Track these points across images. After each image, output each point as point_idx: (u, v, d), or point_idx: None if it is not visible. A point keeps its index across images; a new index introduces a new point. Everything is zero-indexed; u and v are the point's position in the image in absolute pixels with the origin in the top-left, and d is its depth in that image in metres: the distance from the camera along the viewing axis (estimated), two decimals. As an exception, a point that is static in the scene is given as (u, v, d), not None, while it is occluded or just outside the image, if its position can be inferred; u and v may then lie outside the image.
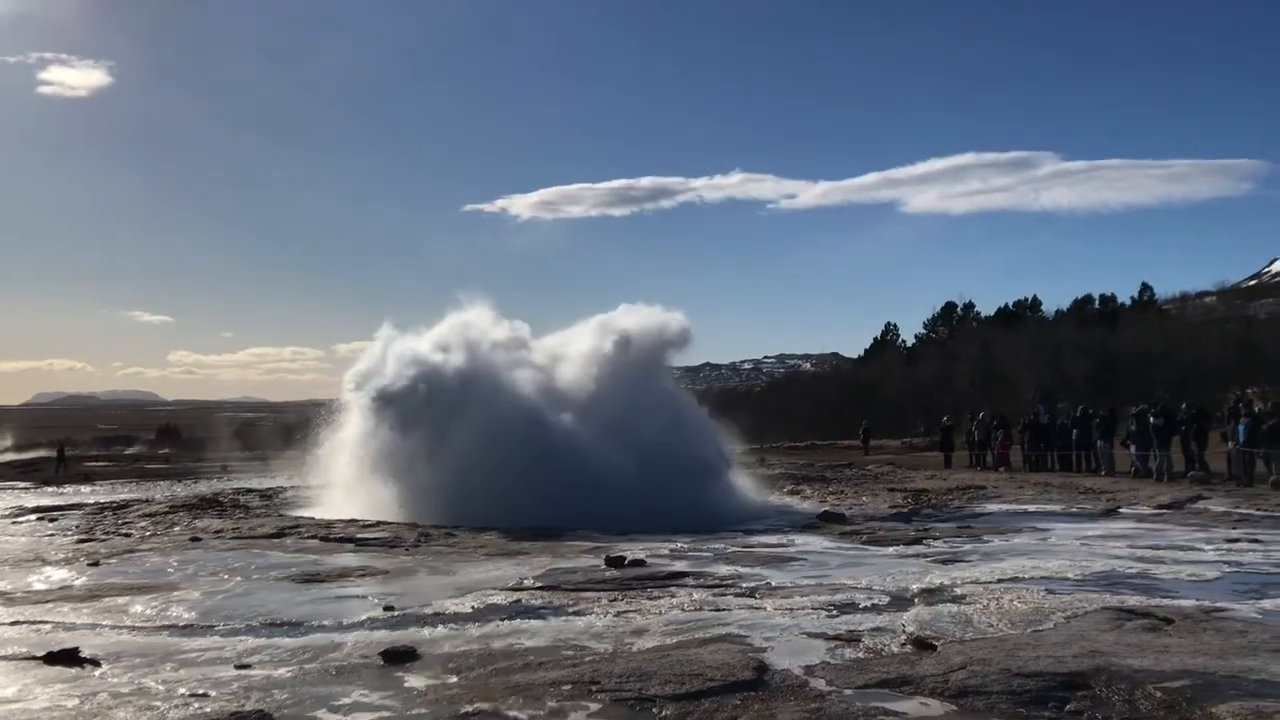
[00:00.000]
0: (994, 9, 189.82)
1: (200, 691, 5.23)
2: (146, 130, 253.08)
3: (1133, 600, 7.31)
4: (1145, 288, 52.68)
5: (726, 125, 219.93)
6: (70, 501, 20.46)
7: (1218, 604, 7.10)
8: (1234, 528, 11.61)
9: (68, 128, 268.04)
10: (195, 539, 12.29)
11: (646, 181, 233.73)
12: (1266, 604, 7.17)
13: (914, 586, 8.07)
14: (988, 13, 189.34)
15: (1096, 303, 52.22)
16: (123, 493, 23.56)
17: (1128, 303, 51.85)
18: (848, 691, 5.07)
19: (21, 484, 28.94)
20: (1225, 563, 9.12)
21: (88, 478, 30.76)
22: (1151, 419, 18.80)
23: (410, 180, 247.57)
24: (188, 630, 7.01)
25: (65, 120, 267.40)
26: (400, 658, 5.91)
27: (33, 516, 16.61)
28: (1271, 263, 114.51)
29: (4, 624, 7.21)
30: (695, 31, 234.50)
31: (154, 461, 40.04)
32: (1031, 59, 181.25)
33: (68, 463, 36.49)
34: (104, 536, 13.05)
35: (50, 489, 25.83)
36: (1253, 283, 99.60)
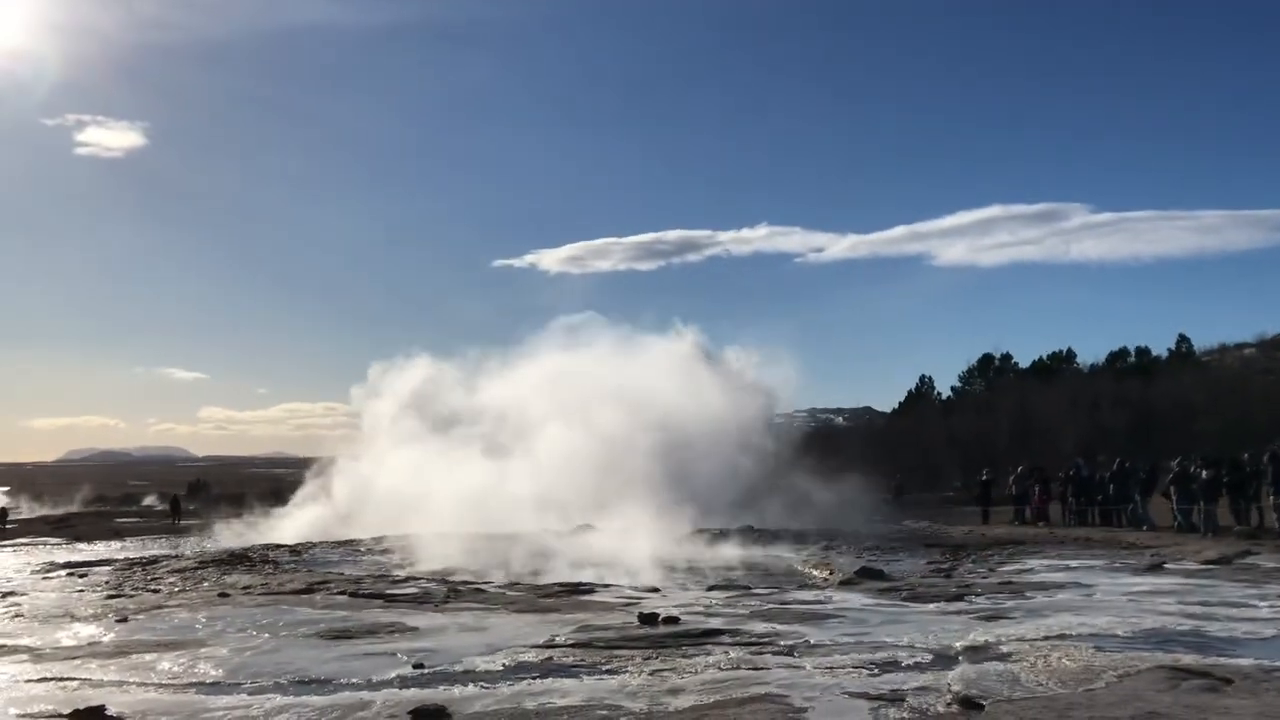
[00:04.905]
0: (1015, 60, 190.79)
1: (226, 751, 5.11)
2: (180, 189, 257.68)
3: (1187, 659, 7.03)
4: (1183, 339, 51.87)
5: (752, 178, 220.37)
6: (100, 557, 20.53)
7: (1278, 663, 6.79)
8: (1288, 584, 11.20)
9: (104, 187, 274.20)
10: (224, 595, 12.21)
11: (673, 235, 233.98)
12: (1330, 663, 6.85)
13: (957, 644, 7.81)
14: (1008, 64, 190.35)
15: (1133, 355, 51.51)
16: (152, 548, 23.61)
17: (1164, 355, 51.08)
18: (894, 754, 4.86)
19: (54, 539, 29.15)
20: (1282, 620, 8.77)
21: (118, 533, 30.90)
22: (1203, 473, 18.33)
23: (440, 236, 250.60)
24: (215, 688, 6.91)
25: (102, 180, 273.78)
26: (430, 717, 5.77)
27: (63, 572, 16.66)
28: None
29: (32, 680, 7.15)
30: (720, 85, 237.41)
31: (184, 517, 40.29)
32: (1054, 108, 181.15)
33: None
34: (132, 592, 13.02)
35: (97, 543, 25.98)
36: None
